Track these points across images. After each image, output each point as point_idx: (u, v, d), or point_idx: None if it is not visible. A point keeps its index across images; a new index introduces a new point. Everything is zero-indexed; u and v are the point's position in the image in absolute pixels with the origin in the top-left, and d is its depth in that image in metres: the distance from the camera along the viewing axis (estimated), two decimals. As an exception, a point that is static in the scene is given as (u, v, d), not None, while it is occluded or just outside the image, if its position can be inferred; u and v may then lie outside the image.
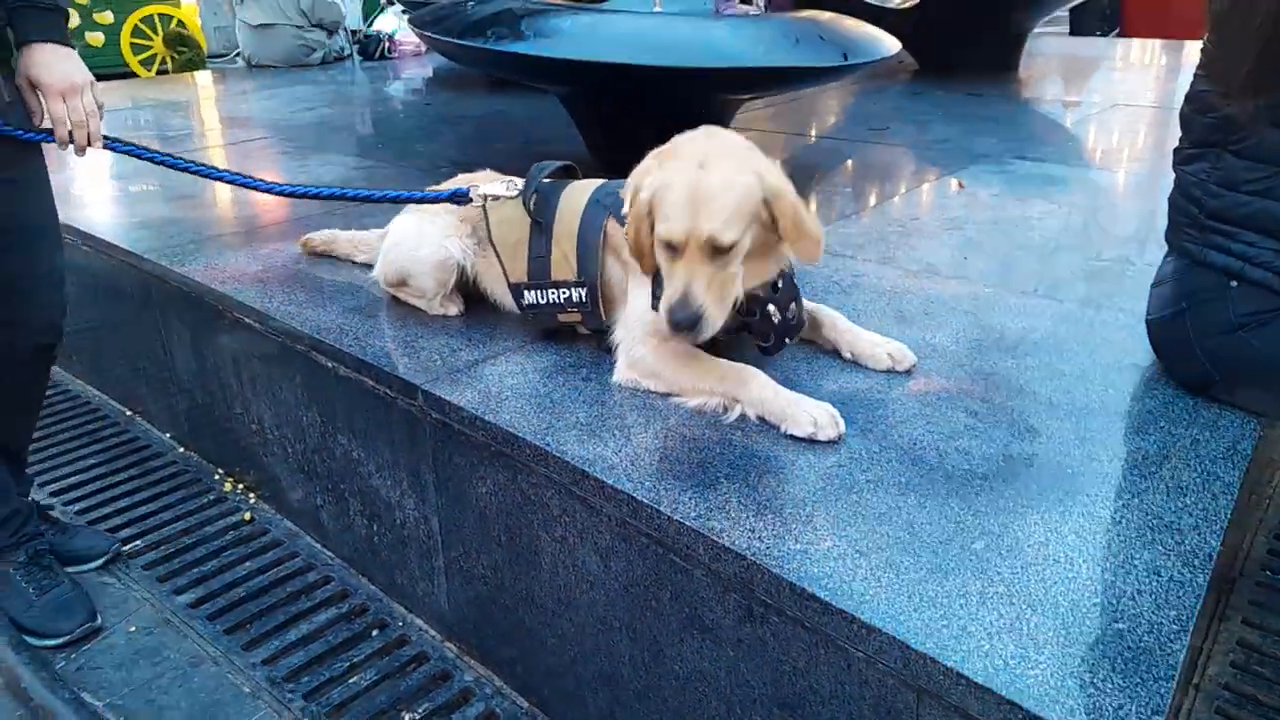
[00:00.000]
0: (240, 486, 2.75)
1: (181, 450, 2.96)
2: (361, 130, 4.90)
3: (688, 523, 1.47)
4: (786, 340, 1.89)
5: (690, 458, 1.65)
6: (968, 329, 2.15)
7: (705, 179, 1.67)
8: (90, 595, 2.26)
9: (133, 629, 2.23)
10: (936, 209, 3.18)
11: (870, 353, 1.95)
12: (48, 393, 3.07)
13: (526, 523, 1.80)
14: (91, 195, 3.52)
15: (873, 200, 3.30)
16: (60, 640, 2.16)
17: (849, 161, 3.92)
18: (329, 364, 2.18)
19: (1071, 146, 4.19)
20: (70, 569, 2.38)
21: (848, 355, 1.98)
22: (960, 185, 3.39)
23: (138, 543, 2.53)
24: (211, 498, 2.72)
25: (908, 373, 1.92)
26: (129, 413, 3.19)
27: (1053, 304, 2.28)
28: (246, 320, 2.42)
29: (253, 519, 2.62)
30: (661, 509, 1.51)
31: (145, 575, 2.41)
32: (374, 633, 2.21)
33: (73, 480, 2.82)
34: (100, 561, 2.42)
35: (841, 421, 1.68)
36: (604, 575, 1.67)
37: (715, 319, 1.68)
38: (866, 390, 1.88)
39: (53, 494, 2.74)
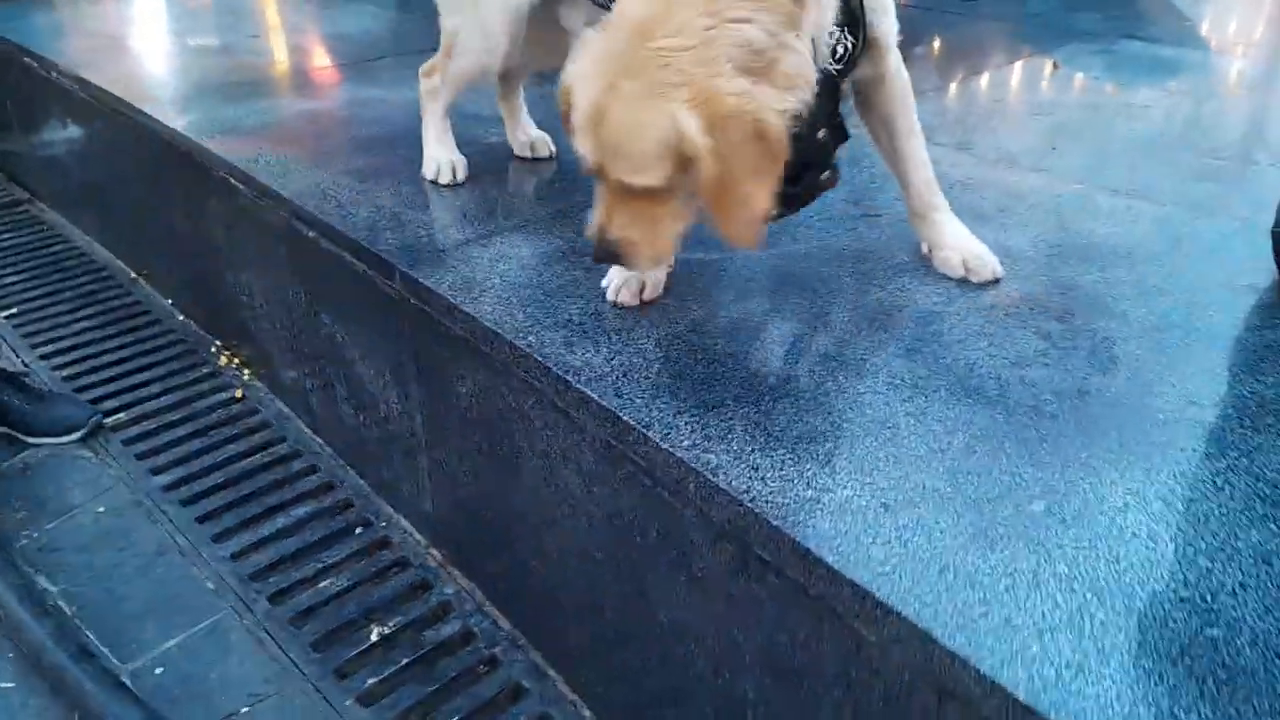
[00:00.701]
0: (235, 361, 2.56)
1: (181, 318, 2.78)
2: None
3: (678, 453, 1.21)
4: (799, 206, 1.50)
5: (695, 372, 1.37)
6: (1047, 232, 1.80)
7: (608, 107, 1.23)
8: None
9: (101, 509, 2.08)
10: (1025, 91, 2.76)
11: (942, 255, 1.62)
12: (52, 249, 2.92)
13: (507, 431, 1.56)
14: (105, 42, 3.27)
15: (955, 79, 2.89)
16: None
17: (932, 34, 3.46)
18: (310, 234, 1.93)
19: (1187, 27, 3.66)
20: (42, 440, 2.24)
21: (924, 250, 1.66)
22: (1055, 65, 2.95)
23: (121, 415, 2.37)
24: (205, 371, 2.54)
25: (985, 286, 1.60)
26: (134, 275, 3.00)
27: (1153, 207, 1.92)
28: (231, 180, 2.17)
29: (244, 397, 2.43)
30: (650, 434, 1.24)
31: (124, 451, 2.25)
32: (356, 530, 2.03)
33: (66, 344, 2.66)
34: (77, 435, 2.26)
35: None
36: (586, 500, 1.43)
37: (646, 255, 1.32)
38: (922, 298, 1.57)
39: (42, 356, 2.58)
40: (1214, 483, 1.17)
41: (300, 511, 2.07)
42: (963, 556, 1.05)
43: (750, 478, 1.16)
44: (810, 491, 1.15)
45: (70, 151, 3.08)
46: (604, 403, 1.31)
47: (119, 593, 1.87)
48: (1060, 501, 1.13)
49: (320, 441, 2.27)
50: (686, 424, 1.26)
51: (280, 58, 3.10)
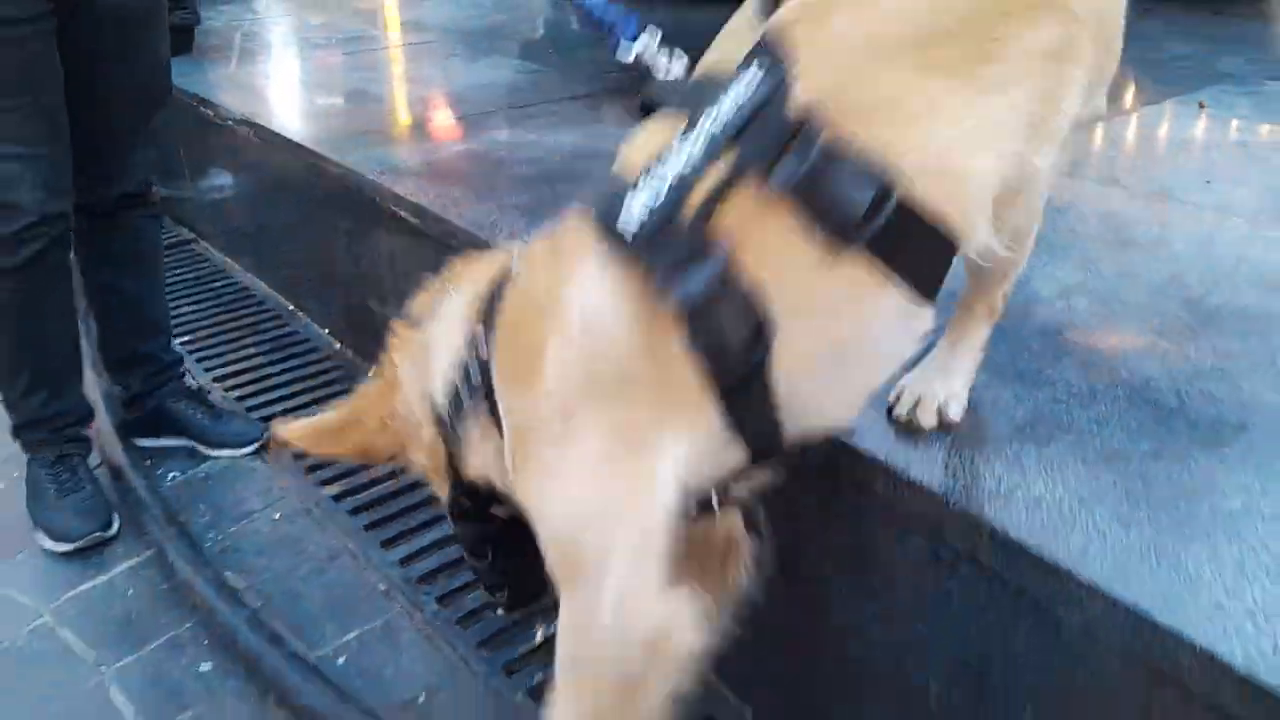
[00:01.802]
0: (392, 386, 2.70)
1: (338, 346, 2.95)
2: (530, 35, 4.78)
3: (866, 451, 1.27)
4: None
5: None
6: (1214, 259, 1.82)
7: None
8: (109, 504, 2.16)
9: (277, 516, 2.22)
10: (1174, 130, 2.77)
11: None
12: (215, 284, 3.13)
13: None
14: (271, 92, 3.54)
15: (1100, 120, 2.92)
16: (66, 547, 2.07)
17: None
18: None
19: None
20: (221, 452, 2.40)
21: None
22: (1203, 106, 2.95)
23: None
24: (364, 394, 2.69)
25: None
26: (291, 307, 3.20)
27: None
28: (401, 214, 2.33)
29: (401, 418, 2.57)
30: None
31: (292, 465, 2.40)
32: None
33: (233, 369, 2.84)
34: (250, 448, 2.42)
35: None
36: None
37: None
38: (1086, 317, 1.60)
39: (215, 379, 2.77)
40: None
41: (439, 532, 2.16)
42: (1163, 547, 1.08)
43: (941, 473, 1.21)
44: (1002, 487, 1.19)
45: (235, 194, 3.32)
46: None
47: (297, 591, 1.99)
48: (1258, 499, 1.14)
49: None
50: (870, 424, 1.32)
51: (427, 105, 3.29)
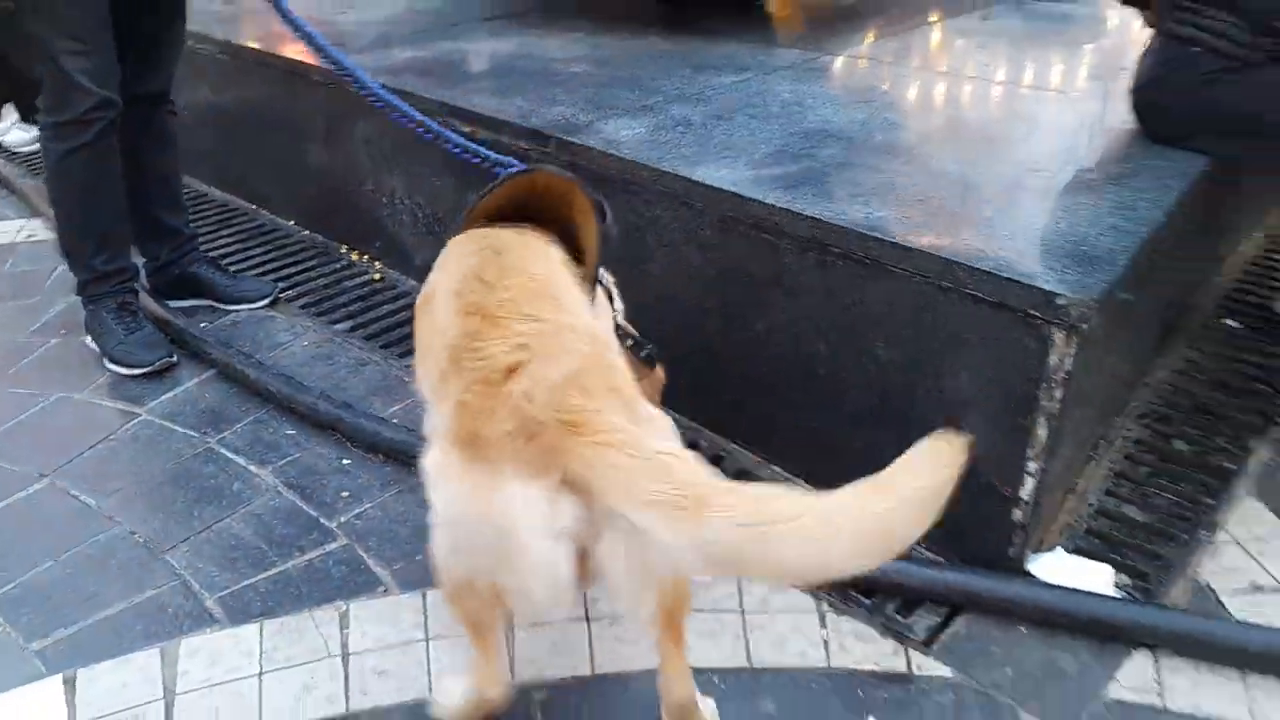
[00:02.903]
0: (365, 257, 3.27)
1: (306, 232, 3.48)
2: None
3: (780, 204, 2.00)
4: None
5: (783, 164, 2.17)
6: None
7: None
8: (163, 340, 2.67)
9: (305, 343, 2.79)
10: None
11: None
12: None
13: (640, 240, 2.32)
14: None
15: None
16: (141, 370, 2.58)
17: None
18: (466, 128, 2.67)
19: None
20: (239, 307, 2.94)
21: None
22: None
23: (290, 292, 3.07)
24: (342, 264, 3.25)
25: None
26: (254, 206, 3.69)
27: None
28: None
29: (382, 278, 3.15)
30: (765, 199, 2.03)
31: (303, 312, 2.96)
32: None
33: (215, 254, 3.33)
34: (265, 301, 2.97)
35: None
36: (704, 265, 2.20)
37: None
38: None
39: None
40: (1089, 204, 1.99)
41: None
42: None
43: (825, 209, 1.96)
44: (864, 210, 1.94)
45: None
46: (721, 187, 2.09)
47: (342, 386, 2.58)
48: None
49: (452, 301, 3.00)
50: (779, 194, 2.05)
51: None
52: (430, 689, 1.70)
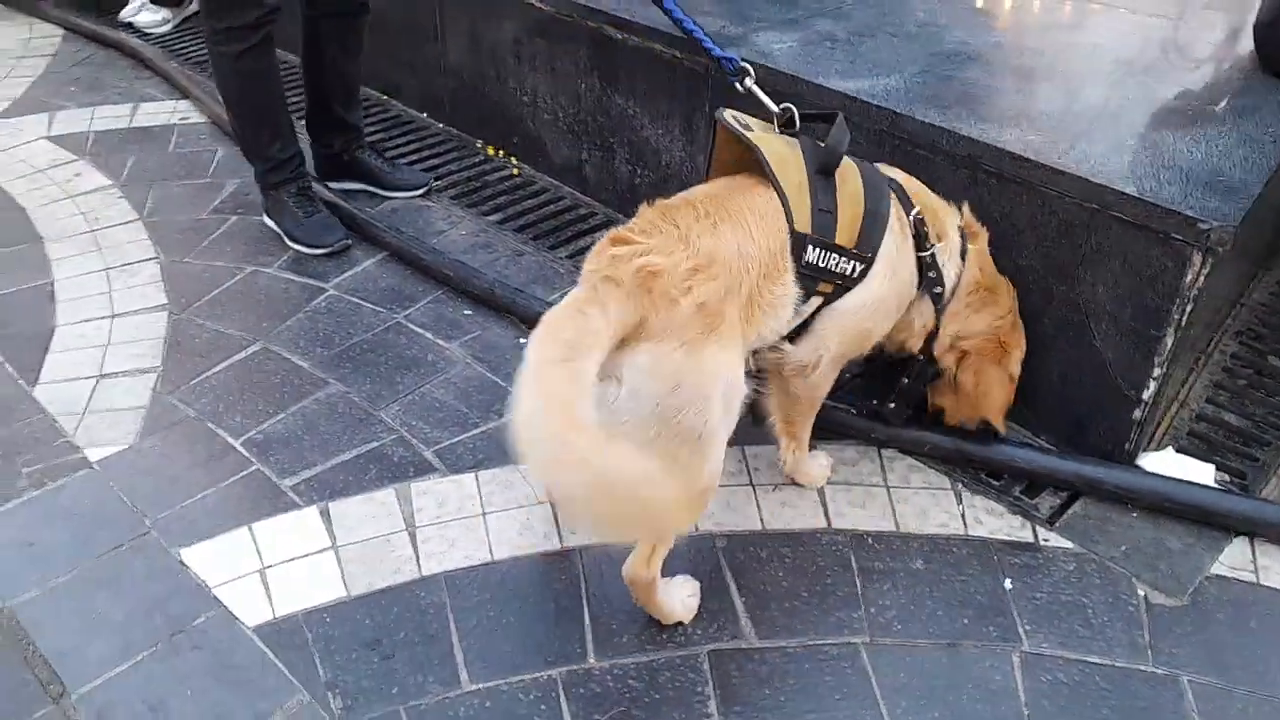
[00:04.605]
0: (500, 152, 3.49)
1: (441, 125, 3.69)
2: None
3: (938, 124, 2.20)
4: None
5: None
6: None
7: None
8: (338, 223, 2.90)
9: (463, 232, 3.04)
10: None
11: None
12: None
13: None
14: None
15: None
16: (322, 250, 2.84)
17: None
18: (618, 35, 2.86)
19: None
20: (397, 194, 3.18)
21: None
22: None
23: (438, 183, 3.31)
24: (479, 159, 3.47)
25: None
26: (385, 97, 3.89)
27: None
28: (536, 3, 3.08)
29: (520, 173, 3.38)
30: (923, 118, 2.23)
31: (454, 203, 3.20)
32: (637, 247, 2.99)
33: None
34: (421, 190, 3.21)
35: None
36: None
37: None
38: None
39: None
40: (1218, 134, 2.18)
41: (590, 240, 3.01)
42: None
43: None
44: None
45: None
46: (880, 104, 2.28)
47: (505, 273, 2.83)
48: (1148, 142, 2.14)
49: (589, 199, 3.22)
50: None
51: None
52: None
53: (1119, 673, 1.77)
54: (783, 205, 1.69)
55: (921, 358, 2.04)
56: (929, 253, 1.89)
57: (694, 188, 1.80)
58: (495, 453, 2.19)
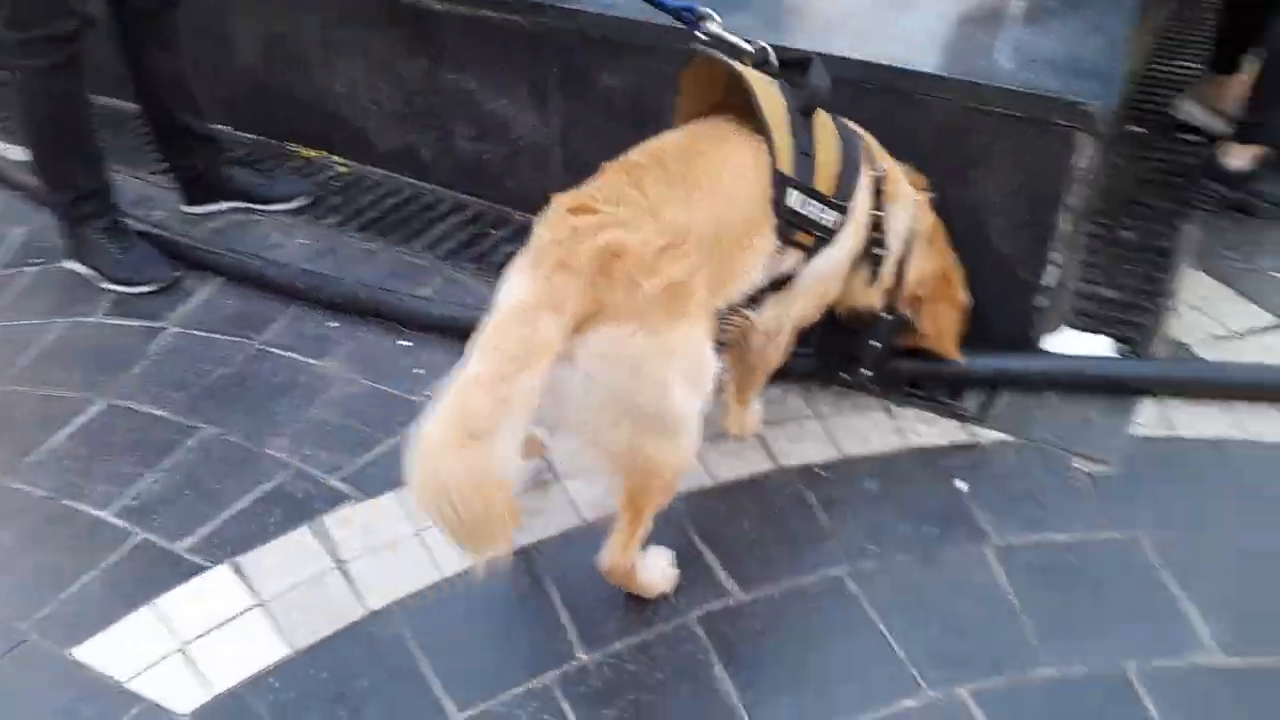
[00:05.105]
0: (321, 152, 3.22)
1: (247, 136, 3.35)
2: None
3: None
4: None
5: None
6: None
7: None
8: (160, 254, 2.60)
9: (301, 241, 2.77)
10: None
11: None
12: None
13: (654, 98, 2.43)
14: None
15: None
16: (149, 288, 2.54)
17: None
18: (440, 6, 2.68)
19: None
20: (274, 208, 2.88)
21: None
22: None
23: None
24: (298, 164, 3.19)
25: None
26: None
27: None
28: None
29: (348, 170, 3.13)
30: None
31: (283, 214, 2.91)
32: (495, 229, 2.82)
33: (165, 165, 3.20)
34: (302, 200, 2.90)
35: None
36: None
37: None
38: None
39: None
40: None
41: (450, 222, 2.83)
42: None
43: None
44: (877, 53, 2.14)
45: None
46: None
47: (358, 275, 2.61)
48: None
49: (429, 185, 3.00)
50: (794, 39, 2.21)
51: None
52: (583, 517, 1.88)
53: (1083, 544, 1.82)
54: (767, 144, 1.57)
55: (888, 315, 1.97)
56: (883, 213, 1.81)
57: (663, 136, 1.65)
58: (411, 464, 2.00)
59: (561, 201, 1.49)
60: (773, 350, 1.85)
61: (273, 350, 2.35)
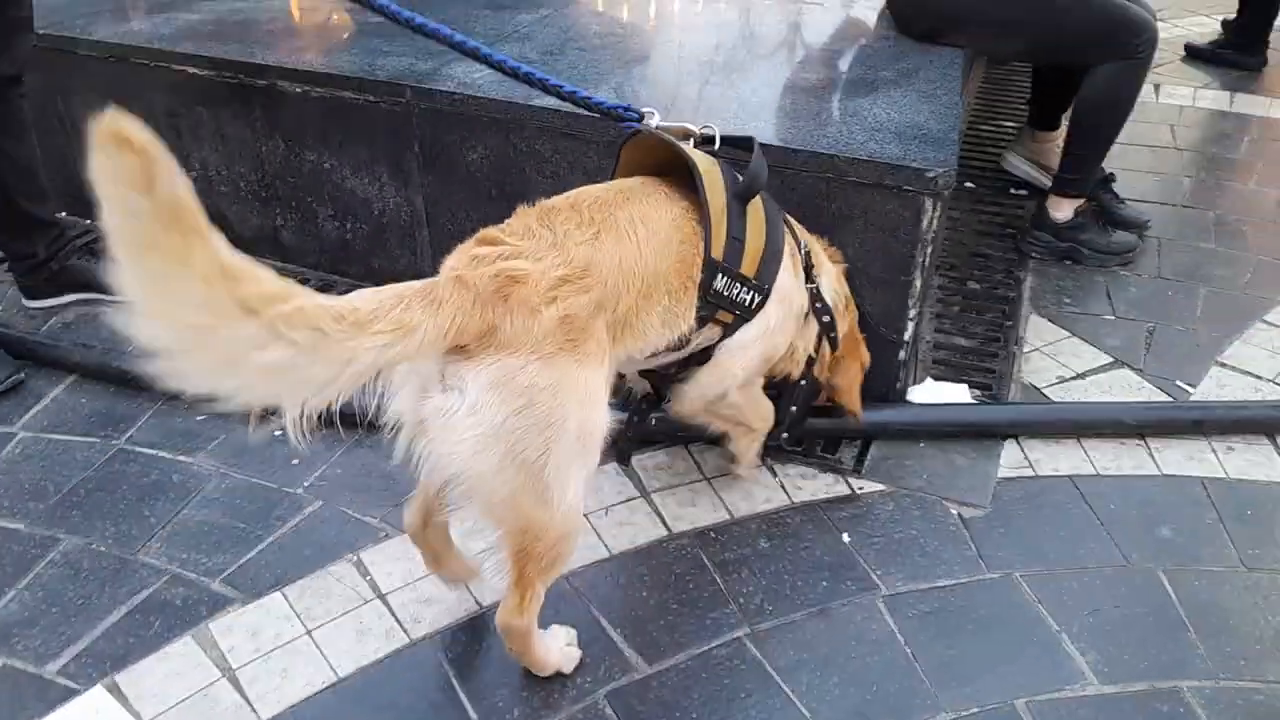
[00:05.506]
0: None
1: (92, 222, 3.22)
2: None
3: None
4: None
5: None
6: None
7: None
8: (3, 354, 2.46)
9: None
10: None
11: None
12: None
13: (518, 172, 2.47)
14: None
15: None
16: None
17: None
18: (296, 88, 2.65)
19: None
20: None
21: None
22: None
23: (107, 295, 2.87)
24: (151, 249, 3.07)
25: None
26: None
27: (817, 7, 3.21)
28: (190, 69, 2.77)
29: (206, 255, 3.03)
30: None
31: (139, 302, 2.80)
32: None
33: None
34: None
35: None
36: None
37: None
38: (729, 57, 2.70)
39: None
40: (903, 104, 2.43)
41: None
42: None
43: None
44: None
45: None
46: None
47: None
48: (849, 109, 2.33)
49: (294, 265, 2.95)
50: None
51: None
52: (478, 601, 1.85)
53: (965, 588, 1.91)
54: (705, 233, 1.61)
55: (802, 381, 2.01)
56: (814, 285, 1.90)
57: (585, 188, 1.64)
58: (294, 562, 1.94)
59: (472, 237, 1.48)
60: (727, 409, 1.90)
61: (138, 449, 2.24)
